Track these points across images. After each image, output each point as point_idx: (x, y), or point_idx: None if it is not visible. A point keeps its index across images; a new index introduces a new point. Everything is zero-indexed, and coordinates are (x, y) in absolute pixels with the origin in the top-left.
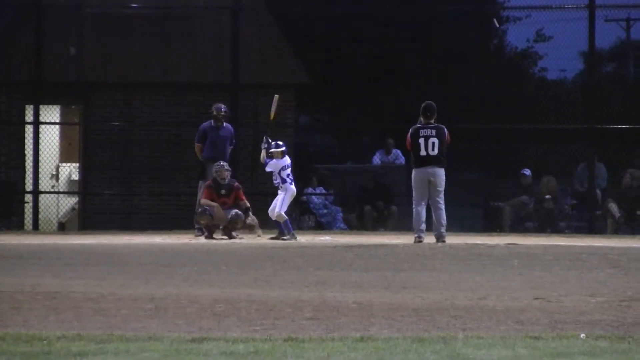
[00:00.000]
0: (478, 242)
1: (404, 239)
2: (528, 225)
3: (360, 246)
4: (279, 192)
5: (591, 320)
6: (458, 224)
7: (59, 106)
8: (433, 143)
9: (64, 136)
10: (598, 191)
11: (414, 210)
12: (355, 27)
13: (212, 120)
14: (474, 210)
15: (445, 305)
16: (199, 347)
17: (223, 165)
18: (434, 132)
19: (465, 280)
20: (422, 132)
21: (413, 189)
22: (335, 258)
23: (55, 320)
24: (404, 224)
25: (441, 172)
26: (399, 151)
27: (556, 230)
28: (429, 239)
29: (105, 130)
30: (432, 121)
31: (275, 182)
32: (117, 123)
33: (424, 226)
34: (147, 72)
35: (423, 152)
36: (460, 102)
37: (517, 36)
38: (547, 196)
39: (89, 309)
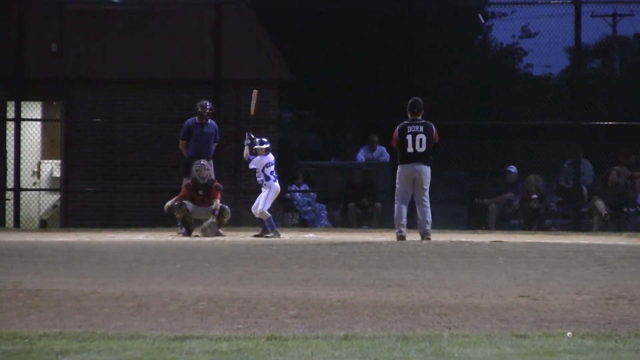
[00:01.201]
0: (463, 239)
1: (389, 236)
2: (513, 223)
3: (344, 244)
4: (263, 189)
5: (577, 318)
6: (443, 221)
7: (40, 102)
8: (420, 140)
9: (45, 133)
10: (584, 188)
11: (395, 206)
12: (338, 22)
13: (196, 117)
14: (459, 207)
15: (430, 303)
16: (181, 345)
17: (204, 164)
18: (421, 128)
19: (450, 278)
20: (409, 129)
21: (397, 185)
22: (319, 256)
23: (37, 318)
24: (389, 221)
25: (427, 170)
26: (383, 148)
27: (542, 227)
28: (414, 235)
29: (88, 126)
30: (420, 117)
31: (258, 179)
32: (99, 119)
33: (404, 221)
34: (130, 68)
35: (410, 149)
36: (444, 98)
37: (502, 32)
38: (534, 196)
39: (71, 307)
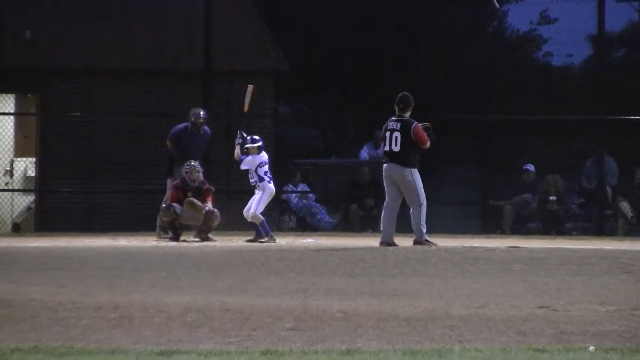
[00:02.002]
0: (476, 244)
1: (395, 241)
2: (531, 226)
3: (345, 249)
4: (256, 191)
5: (601, 330)
6: (454, 225)
7: (13, 95)
8: (396, 138)
9: (19, 128)
10: (608, 189)
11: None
12: (339, 10)
13: (188, 125)
14: (472, 209)
15: (440, 314)
16: None
17: (194, 166)
18: (398, 125)
19: (461, 287)
20: (389, 125)
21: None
22: (318, 262)
23: (10, 330)
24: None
25: (401, 172)
26: None
27: (562, 231)
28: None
29: (65, 121)
30: (406, 114)
31: (252, 180)
32: (77, 113)
33: (387, 229)
34: (111, 58)
35: (387, 147)
36: (455, 91)
37: (519, 18)
38: (552, 197)
39: (47, 319)
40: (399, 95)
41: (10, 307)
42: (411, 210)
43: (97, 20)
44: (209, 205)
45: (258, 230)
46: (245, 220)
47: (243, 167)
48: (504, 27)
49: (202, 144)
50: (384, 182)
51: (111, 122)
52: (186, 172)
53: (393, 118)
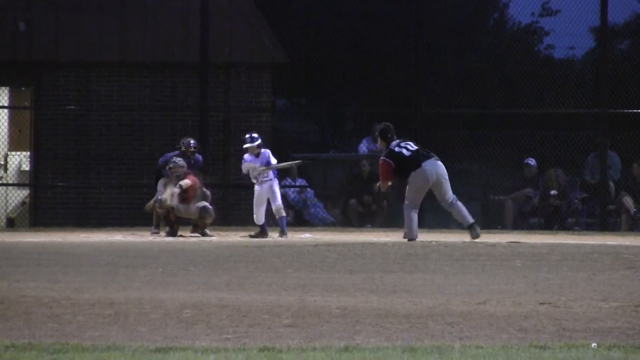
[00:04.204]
0: (476, 240)
1: (394, 237)
2: (532, 222)
3: (344, 245)
4: (257, 187)
5: (603, 327)
6: (454, 220)
7: (7, 88)
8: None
9: (13, 122)
10: (611, 183)
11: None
12: (338, 1)
13: (178, 153)
14: (472, 204)
15: (440, 311)
16: (164, 357)
17: (177, 162)
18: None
19: (462, 283)
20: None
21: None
22: (316, 258)
23: (4, 327)
24: (394, 220)
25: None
26: None
27: (564, 227)
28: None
29: (59, 114)
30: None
31: (263, 177)
32: (72, 107)
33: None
34: (105, 50)
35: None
36: (456, 83)
37: (520, 9)
38: (552, 192)
39: (41, 315)
40: (385, 127)
41: (4, 304)
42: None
43: (92, 13)
44: (187, 181)
45: (283, 225)
46: (242, 215)
47: (245, 171)
48: (505, 19)
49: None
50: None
51: (106, 116)
52: (170, 169)
53: (393, 144)
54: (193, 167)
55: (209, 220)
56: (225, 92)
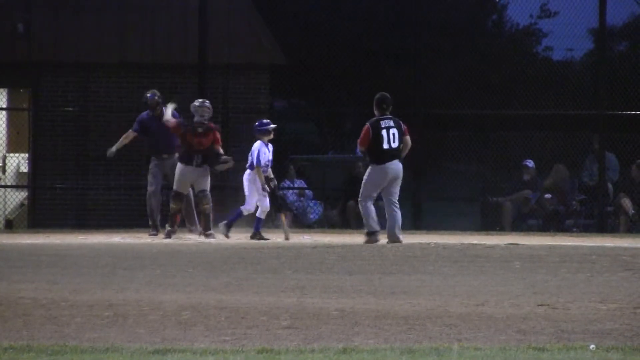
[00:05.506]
0: (475, 241)
1: None
2: (531, 223)
3: (343, 246)
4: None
5: (602, 329)
6: (452, 222)
7: (5, 89)
8: (394, 134)
9: (11, 123)
10: (609, 185)
11: (365, 205)
12: (337, 3)
13: (148, 111)
14: (471, 206)
15: (438, 312)
16: (162, 359)
17: (204, 102)
18: (392, 122)
19: (460, 285)
20: (384, 123)
21: (367, 184)
22: (315, 260)
23: (2, 329)
24: None
25: (401, 168)
26: None
27: (562, 228)
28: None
29: (58, 116)
30: (388, 113)
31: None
32: (71, 108)
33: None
34: (105, 52)
35: (385, 145)
36: (454, 85)
37: (518, 11)
38: (547, 195)
39: (40, 317)
40: (382, 96)
41: (2, 305)
42: (395, 209)
43: (90, 14)
44: (219, 149)
45: (256, 227)
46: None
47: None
48: (503, 20)
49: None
50: (385, 182)
51: (105, 117)
52: (197, 109)
53: (382, 117)
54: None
55: (207, 205)
56: (223, 94)
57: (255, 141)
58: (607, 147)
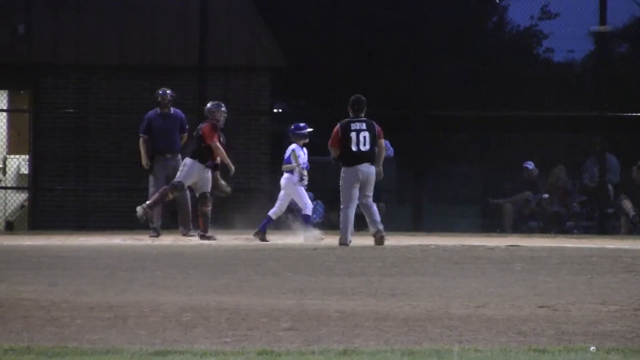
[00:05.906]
0: (475, 243)
1: (393, 241)
2: (532, 225)
3: (343, 248)
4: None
5: (602, 331)
6: (453, 223)
7: (6, 91)
8: (364, 137)
9: (12, 125)
10: (610, 186)
11: (341, 213)
12: (337, 5)
13: (157, 108)
14: (471, 207)
15: (439, 314)
16: None
17: (220, 104)
18: (364, 125)
19: (461, 287)
20: (355, 126)
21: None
22: (315, 262)
23: (2, 330)
24: (393, 223)
25: (373, 170)
26: (387, 141)
27: (563, 230)
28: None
29: (58, 117)
30: (362, 115)
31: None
32: (71, 110)
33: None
34: (105, 53)
35: (354, 148)
36: (454, 86)
37: (519, 13)
38: (545, 195)
39: (40, 319)
40: (356, 98)
41: (3, 307)
42: (369, 206)
43: (91, 16)
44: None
45: (263, 226)
46: (245, 219)
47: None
48: (504, 22)
49: (175, 127)
50: (355, 184)
51: (105, 119)
52: (214, 112)
53: (354, 119)
54: (174, 121)
55: (208, 208)
56: (224, 95)
57: (291, 144)
58: (607, 148)
